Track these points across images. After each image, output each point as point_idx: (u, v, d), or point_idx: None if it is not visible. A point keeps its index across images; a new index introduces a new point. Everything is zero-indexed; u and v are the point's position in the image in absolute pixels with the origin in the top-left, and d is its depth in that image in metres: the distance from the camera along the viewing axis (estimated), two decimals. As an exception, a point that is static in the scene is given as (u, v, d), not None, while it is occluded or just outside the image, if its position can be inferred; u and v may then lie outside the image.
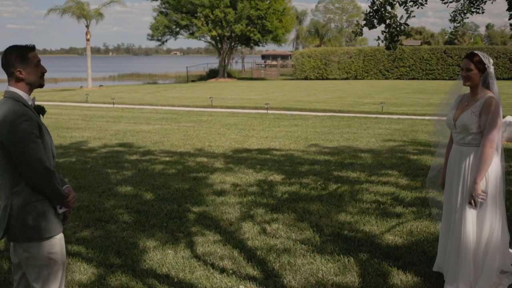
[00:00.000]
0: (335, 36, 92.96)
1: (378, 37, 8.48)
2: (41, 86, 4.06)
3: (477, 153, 5.25)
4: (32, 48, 3.97)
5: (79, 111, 26.38)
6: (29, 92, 3.97)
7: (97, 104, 30.96)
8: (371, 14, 8.25)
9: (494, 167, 5.24)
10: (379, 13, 8.12)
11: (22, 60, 3.88)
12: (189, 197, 9.23)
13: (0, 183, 3.99)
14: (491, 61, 5.31)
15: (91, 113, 25.58)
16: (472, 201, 5.20)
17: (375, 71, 58.70)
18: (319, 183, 10.10)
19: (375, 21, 8.21)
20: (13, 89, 3.90)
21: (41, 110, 4.12)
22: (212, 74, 68.77)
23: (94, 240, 7.13)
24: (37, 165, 3.77)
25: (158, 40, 68.95)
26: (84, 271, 6.08)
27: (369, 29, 8.32)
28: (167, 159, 12.93)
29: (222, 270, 6.07)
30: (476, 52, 5.30)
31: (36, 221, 3.90)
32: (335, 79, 58.31)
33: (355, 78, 58.71)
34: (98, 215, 8.23)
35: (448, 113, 5.59)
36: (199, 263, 6.31)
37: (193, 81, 65.62)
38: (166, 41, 69.83)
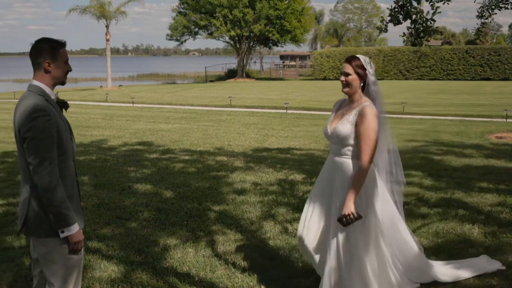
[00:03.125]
0: (354, 36, 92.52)
1: (404, 33, 8.33)
2: (63, 83, 4.00)
3: (354, 165, 4.69)
4: (63, 44, 3.92)
5: (99, 110, 26.44)
6: (52, 87, 3.91)
7: (117, 103, 31.03)
8: (396, 9, 8.10)
9: (372, 184, 4.74)
10: (405, 8, 7.96)
11: (53, 53, 3.83)
12: (209, 196, 9.13)
13: (20, 177, 3.92)
14: (373, 66, 4.76)
15: (111, 112, 25.62)
16: (343, 220, 4.57)
17: (395, 71, 58.29)
18: (341, 183, 9.93)
19: (401, 17, 8.06)
20: (37, 82, 3.84)
21: (64, 104, 4.05)
22: (231, 74, 68.73)
23: (115, 237, 7.06)
24: (43, 165, 3.65)
25: (177, 40, 69.03)
26: (104, 268, 6.00)
27: (394, 25, 8.17)
28: (187, 157, 12.86)
29: (244, 270, 5.96)
30: (357, 55, 4.76)
31: None
32: (354, 79, 57.93)
33: (375, 78, 58.34)
34: (118, 213, 8.16)
35: (327, 122, 5.01)
36: (220, 262, 6.20)
37: (211, 81, 65.63)
38: (185, 41, 69.96)
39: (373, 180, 4.76)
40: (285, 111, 23.86)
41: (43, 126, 3.64)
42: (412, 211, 8.11)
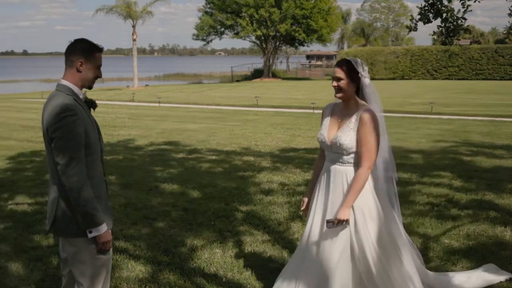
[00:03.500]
0: (381, 36, 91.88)
1: (434, 32, 8.19)
2: (90, 88, 3.97)
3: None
4: (100, 49, 3.92)
5: (125, 110, 26.59)
6: (80, 88, 3.90)
7: (143, 103, 31.20)
8: (426, 8, 7.96)
9: (369, 193, 4.53)
10: (435, 7, 7.82)
11: (88, 54, 3.82)
12: (236, 196, 9.08)
13: (49, 177, 3.91)
14: (366, 68, 4.53)
15: (138, 111, 25.75)
16: (333, 224, 4.42)
17: (422, 71, 57.76)
18: (369, 183, 9.82)
19: (431, 15, 7.91)
20: (65, 82, 3.83)
21: (92, 104, 4.04)
22: (257, 74, 68.69)
23: (142, 237, 7.05)
24: (71, 165, 3.64)
25: (203, 40, 69.25)
26: (131, 268, 5.99)
27: (424, 23, 8.03)
28: (214, 157, 12.84)
29: (272, 271, 5.88)
30: (348, 58, 4.54)
31: None
32: (381, 79, 57.43)
33: (402, 78, 57.85)
34: (145, 213, 8.16)
35: (321, 129, 4.72)
36: (247, 263, 6.15)
37: (237, 81, 65.68)
38: (211, 41, 70.14)
39: (371, 188, 4.56)
40: (312, 111, 23.74)
41: (71, 125, 3.62)
42: (442, 212, 7.99)
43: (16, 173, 11.39)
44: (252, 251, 6.54)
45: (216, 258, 6.30)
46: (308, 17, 61.70)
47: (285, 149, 13.98)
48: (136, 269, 5.97)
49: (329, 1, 64.44)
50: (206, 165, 11.80)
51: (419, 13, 8.10)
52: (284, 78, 68.20)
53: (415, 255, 5.02)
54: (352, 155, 4.50)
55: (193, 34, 68.53)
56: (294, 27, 62.38)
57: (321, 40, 65.64)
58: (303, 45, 71.14)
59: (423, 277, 4.95)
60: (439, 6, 7.82)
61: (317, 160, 4.99)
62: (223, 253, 6.46)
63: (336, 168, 4.58)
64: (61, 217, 3.80)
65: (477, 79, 55.27)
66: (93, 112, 4.06)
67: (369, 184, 4.53)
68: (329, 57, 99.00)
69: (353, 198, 4.41)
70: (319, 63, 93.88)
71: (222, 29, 66.85)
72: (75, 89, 3.83)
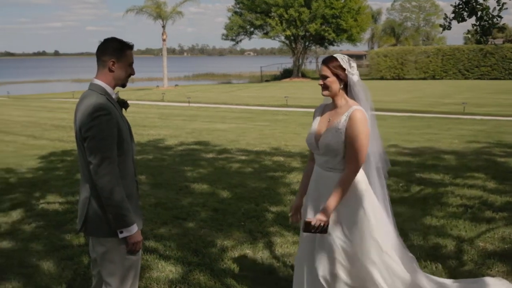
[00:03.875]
0: (411, 35, 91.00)
1: (468, 30, 8.04)
2: (124, 86, 3.97)
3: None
4: (131, 46, 3.91)
5: (155, 110, 26.73)
6: (114, 87, 3.90)
7: (173, 103, 31.34)
8: (460, 6, 7.81)
9: (360, 195, 4.28)
10: (470, 5, 7.67)
11: (119, 53, 3.82)
12: (266, 196, 9.03)
13: (80, 176, 3.91)
14: (354, 65, 4.30)
15: (167, 111, 25.85)
16: (311, 227, 4.14)
17: (454, 70, 56.95)
18: (400, 184, 9.70)
19: (465, 13, 7.76)
20: (98, 81, 3.83)
21: (124, 104, 4.03)
22: (286, 74, 68.58)
23: (172, 237, 7.04)
24: (103, 164, 3.63)
25: (232, 40, 69.37)
26: (162, 269, 5.98)
27: (458, 22, 7.88)
28: (243, 157, 12.80)
29: (303, 273, 5.82)
30: (335, 55, 4.32)
31: None
32: (412, 79, 56.93)
33: (433, 78, 57.13)
34: (175, 213, 8.14)
35: (310, 130, 4.51)
36: (278, 264, 6.09)
37: (267, 80, 65.65)
38: (240, 41, 70.20)
39: (363, 191, 4.31)
40: (341, 111, 23.53)
41: (104, 125, 3.61)
42: (476, 215, 7.82)
43: (47, 172, 11.49)
44: (283, 252, 6.48)
45: (246, 259, 6.25)
46: (338, 17, 61.40)
47: (315, 149, 13.85)
48: (166, 270, 5.96)
49: (359, 0, 64.05)
50: (236, 165, 11.77)
51: (453, 11, 7.95)
52: (313, 78, 67.88)
53: (407, 260, 4.67)
54: (341, 160, 4.25)
55: (223, 34, 68.79)
56: (323, 26, 62.13)
57: (351, 39, 65.28)
58: (333, 45, 70.78)
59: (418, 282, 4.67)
60: (474, 4, 7.67)
61: (308, 163, 4.76)
62: (253, 254, 6.41)
63: (325, 175, 4.32)
64: (92, 217, 3.80)
65: (510, 79, 54.26)
66: (124, 112, 4.05)
67: (360, 186, 4.29)
68: (359, 57, 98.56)
69: (335, 202, 4.16)
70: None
71: (252, 29, 66.90)
72: (108, 88, 3.83)
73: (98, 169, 3.60)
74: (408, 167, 11.19)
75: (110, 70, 3.82)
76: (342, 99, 4.31)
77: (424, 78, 57.12)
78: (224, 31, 68.19)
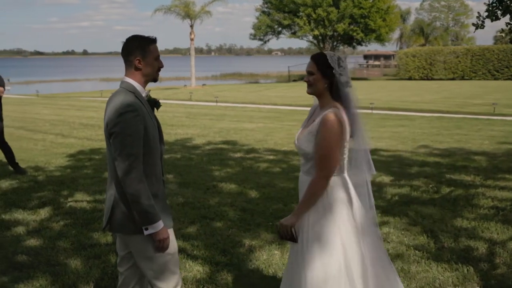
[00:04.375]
0: (441, 35, 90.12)
1: (502, 29, 7.88)
2: (155, 80, 3.94)
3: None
4: (153, 40, 3.86)
5: (183, 109, 26.79)
6: (144, 84, 3.87)
7: (201, 102, 31.41)
8: (494, 5, 7.66)
9: (333, 206, 3.92)
10: (504, 3, 7.51)
11: (143, 50, 3.78)
12: (294, 197, 8.92)
13: (108, 173, 3.91)
14: (345, 66, 4.01)
15: (195, 110, 25.90)
16: (280, 232, 3.95)
17: (483, 71, 56.22)
18: (430, 186, 9.55)
19: (499, 12, 7.61)
20: (128, 79, 3.82)
21: (155, 103, 4.01)
22: (314, 73, 68.22)
23: (199, 237, 7.00)
24: (127, 161, 3.60)
25: (260, 39, 69.49)
26: (189, 268, 5.94)
27: (492, 21, 7.75)
28: (271, 157, 12.73)
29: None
30: (324, 52, 4.06)
31: None
32: (440, 79, 56.35)
33: (462, 78, 56.48)
34: (203, 212, 8.11)
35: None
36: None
37: (294, 80, 65.43)
38: (268, 40, 70.28)
39: (338, 199, 3.95)
40: (370, 111, 23.37)
41: (130, 122, 3.60)
42: (507, 217, 7.67)
43: (75, 170, 11.55)
44: (311, 253, 6.40)
45: (275, 260, 6.18)
46: (366, 17, 61.11)
47: (343, 149, 13.71)
48: (194, 269, 5.92)
49: (388, 0, 63.60)
50: (264, 165, 11.71)
51: (487, 10, 7.81)
52: (341, 78, 67.46)
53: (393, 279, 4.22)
54: (313, 165, 3.95)
55: (250, 34, 68.99)
56: (352, 26, 61.92)
57: (380, 39, 64.92)
58: (361, 45, 70.55)
59: None
60: (508, 2, 7.51)
61: None
62: (281, 254, 6.34)
63: (303, 179, 4.07)
64: (117, 214, 3.79)
65: (542, 79, 53.48)
66: (155, 111, 4.02)
67: (333, 197, 3.95)
68: (387, 57, 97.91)
69: (302, 208, 3.90)
70: (376, 63, 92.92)
71: (279, 28, 66.94)
72: (138, 87, 3.81)
73: (122, 165, 3.59)
74: (438, 168, 11.03)
75: (137, 69, 3.79)
76: (326, 100, 4.01)
77: (453, 79, 56.51)
78: (252, 31, 68.48)
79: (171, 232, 3.90)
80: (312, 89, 4.03)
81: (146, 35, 3.87)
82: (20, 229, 7.52)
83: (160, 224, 3.71)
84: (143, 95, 3.84)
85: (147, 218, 3.66)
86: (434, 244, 6.63)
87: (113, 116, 3.63)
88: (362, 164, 4.12)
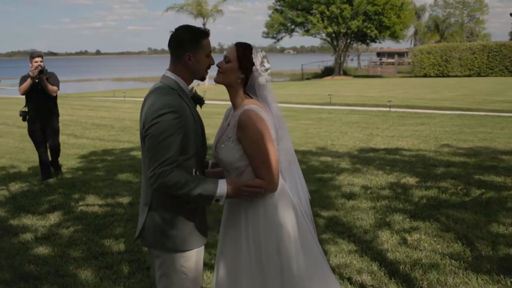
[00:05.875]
0: (456, 32, 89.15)
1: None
2: (203, 79, 3.55)
3: (252, 200, 3.45)
4: (207, 33, 3.43)
5: (197, 108, 26.36)
6: (190, 81, 3.47)
7: (214, 101, 30.99)
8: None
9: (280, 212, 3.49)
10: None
11: (195, 44, 3.36)
12: (316, 200, 8.46)
13: (143, 178, 3.47)
14: (267, 66, 3.57)
15: (209, 109, 25.32)
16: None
17: (500, 67, 55.30)
18: (459, 187, 9.03)
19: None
20: (171, 75, 3.40)
21: (200, 100, 3.61)
22: (327, 71, 67.80)
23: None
24: (161, 168, 3.17)
25: (273, 37, 69.04)
26: (207, 280, 5.50)
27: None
28: (289, 157, 12.25)
29: (361, 286, 5.33)
30: (252, 45, 3.57)
31: (172, 229, 3.35)
32: (456, 76, 55.49)
33: (479, 75, 55.58)
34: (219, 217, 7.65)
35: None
36: (334, 276, 5.54)
37: (308, 78, 64.97)
38: (281, 38, 69.75)
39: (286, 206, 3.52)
40: (388, 109, 22.78)
41: (168, 124, 3.17)
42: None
43: (87, 172, 11.17)
44: (338, 262, 5.95)
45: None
46: (381, 13, 60.45)
47: (363, 149, 13.25)
48: (213, 282, 5.48)
49: (402, -4, 62.97)
50: (281, 166, 11.24)
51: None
52: (355, 76, 66.97)
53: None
54: (240, 172, 3.46)
55: (263, 32, 68.48)
56: (366, 23, 61.32)
57: (394, 36, 64.13)
58: (375, 42, 69.90)
59: None
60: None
61: None
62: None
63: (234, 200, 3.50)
64: (149, 226, 3.38)
65: (560, 75, 52.59)
66: (198, 109, 3.62)
67: (279, 201, 3.50)
68: (400, 54, 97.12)
69: (241, 185, 3.34)
70: (390, 60, 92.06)
71: (292, 26, 66.47)
72: (182, 83, 3.40)
73: (155, 170, 3.16)
74: (465, 169, 10.50)
75: (186, 64, 3.37)
76: (239, 99, 3.55)
77: (469, 75, 55.63)
78: (265, 29, 67.92)
79: (198, 253, 3.48)
80: (222, 78, 3.53)
81: (198, 26, 3.45)
82: (29, 236, 7.20)
83: (222, 187, 3.28)
84: (187, 92, 3.44)
85: (208, 197, 3.27)
86: (471, 252, 6.15)
87: (151, 116, 3.21)
88: (295, 175, 3.70)
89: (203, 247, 3.51)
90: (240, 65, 3.48)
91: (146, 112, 3.27)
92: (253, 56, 3.51)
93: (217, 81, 3.56)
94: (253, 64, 3.50)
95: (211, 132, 5.34)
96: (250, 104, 3.47)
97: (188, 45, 3.35)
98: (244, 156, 3.43)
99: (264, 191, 3.40)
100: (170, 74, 3.40)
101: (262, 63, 3.54)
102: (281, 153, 3.58)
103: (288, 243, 3.44)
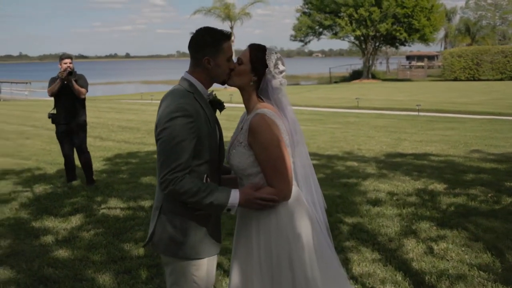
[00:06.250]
0: (488, 34, 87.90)
1: None
2: (224, 83, 3.39)
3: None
4: (228, 36, 3.30)
5: (223, 111, 26.32)
6: (209, 85, 3.35)
7: (241, 105, 30.83)
8: None
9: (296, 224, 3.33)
10: None
11: (215, 48, 3.26)
12: (340, 206, 8.31)
13: (157, 182, 3.35)
14: (282, 68, 3.40)
15: (235, 113, 25.29)
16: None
17: (533, 71, 54.40)
18: (489, 195, 8.77)
19: None
20: (190, 77, 3.30)
21: (219, 105, 3.48)
22: (356, 75, 67.40)
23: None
24: (172, 174, 3.06)
25: (301, 41, 68.90)
26: (225, 286, 5.36)
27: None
28: (314, 162, 12.08)
29: (385, 297, 5.13)
30: (267, 46, 3.43)
31: (183, 237, 3.25)
32: (488, 80, 54.65)
33: (511, 78, 54.66)
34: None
35: None
36: (356, 286, 5.40)
37: (336, 82, 64.68)
38: (309, 41, 69.68)
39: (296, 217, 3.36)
40: (416, 113, 22.48)
41: (180, 128, 3.08)
42: None
43: (111, 175, 11.15)
44: (361, 271, 5.78)
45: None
46: (410, 16, 59.92)
47: (390, 154, 13.03)
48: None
49: (432, -1, 62.34)
50: (306, 170, 11.08)
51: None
52: (384, 79, 66.42)
53: None
54: (254, 179, 3.34)
55: (291, 35, 68.33)
56: (395, 26, 60.83)
57: (424, 39, 63.52)
58: (404, 45, 69.25)
59: None
60: None
61: None
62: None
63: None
64: (160, 231, 3.29)
65: None
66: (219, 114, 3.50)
67: (290, 210, 3.35)
68: (430, 57, 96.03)
69: (254, 197, 3.22)
70: (419, 63, 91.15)
71: (320, 29, 66.25)
72: (199, 86, 3.29)
73: (167, 176, 3.07)
74: (495, 175, 10.22)
75: (205, 68, 3.27)
76: (252, 102, 3.44)
77: (501, 79, 54.76)
78: (293, 32, 67.77)
79: (210, 262, 3.37)
80: (234, 81, 3.40)
81: (219, 28, 3.33)
82: (49, 238, 7.19)
83: (234, 197, 3.18)
84: (205, 96, 3.32)
85: (219, 206, 3.16)
86: (500, 263, 5.92)
87: (164, 119, 3.12)
88: (310, 183, 3.50)
89: (215, 256, 3.39)
90: (253, 67, 3.37)
91: (160, 115, 3.18)
92: (266, 57, 3.38)
93: (230, 83, 3.43)
94: (266, 66, 3.37)
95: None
96: (263, 108, 3.35)
97: (208, 48, 3.25)
98: (255, 162, 3.31)
99: (277, 201, 3.27)
100: (188, 77, 3.31)
101: (276, 65, 3.39)
102: (296, 159, 3.46)
103: (301, 253, 3.31)
